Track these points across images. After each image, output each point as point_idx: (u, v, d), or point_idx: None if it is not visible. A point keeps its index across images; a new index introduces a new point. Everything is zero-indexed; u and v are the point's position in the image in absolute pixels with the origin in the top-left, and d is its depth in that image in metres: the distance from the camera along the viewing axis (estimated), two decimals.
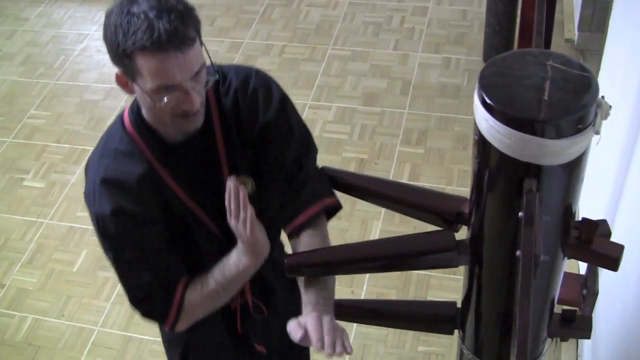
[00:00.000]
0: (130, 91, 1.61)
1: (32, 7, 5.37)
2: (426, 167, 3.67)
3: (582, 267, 2.63)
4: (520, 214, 1.10)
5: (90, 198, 1.67)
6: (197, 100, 1.59)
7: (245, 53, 4.62)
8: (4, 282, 3.41)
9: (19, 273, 3.44)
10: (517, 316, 1.03)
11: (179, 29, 1.51)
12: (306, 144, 1.80)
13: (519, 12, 3.79)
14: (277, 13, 4.96)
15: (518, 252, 1.08)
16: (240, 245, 1.63)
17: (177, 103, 1.57)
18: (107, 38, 1.53)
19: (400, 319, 1.65)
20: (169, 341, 2.08)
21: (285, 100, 1.79)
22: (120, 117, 1.72)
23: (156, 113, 1.61)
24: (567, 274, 1.63)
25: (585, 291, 1.99)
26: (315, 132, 3.94)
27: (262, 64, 4.49)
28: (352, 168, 3.69)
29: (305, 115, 4.07)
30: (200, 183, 1.75)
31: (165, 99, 1.55)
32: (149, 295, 1.70)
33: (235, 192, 1.57)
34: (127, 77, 1.57)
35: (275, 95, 1.77)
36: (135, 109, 1.69)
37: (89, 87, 4.42)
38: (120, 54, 1.51)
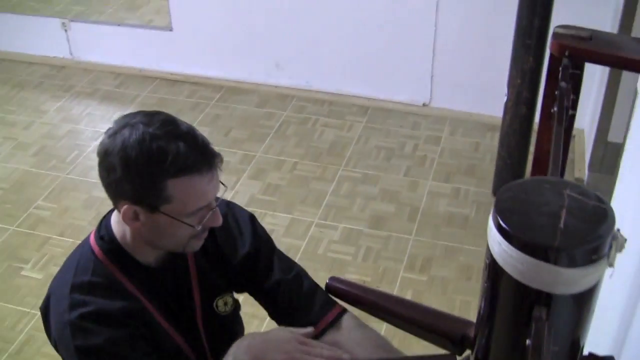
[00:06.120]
0: (137, 225, 1.55)
1: (52, 100, 5.48)
2: (428, 295, 3.64)
3: None
4: (527, 342, 1.08)
5: (67, 333, 1.56)
6: (220, 216, 1.61)
7: (256, 166, 4.65)
8: None
9: None
10: None
11: (208, 148, 1.53)
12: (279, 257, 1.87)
13: (531, 148, 3.83)
14: (292, 130, 5.03)
15: None
16: None
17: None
18: (128, 172, 1.48)
19: None
20: None
21: (254, 220, 1.85)
22: (88, 248, 1.66)
23: (165, 238, 1.59)
24: None
25: None
26: (320, 251, 3.92)
27: (273, 178, 4.53)
28: None
29: (311, 233, 4.06)
30: (174, 308, 1.72)
31: (206, 220, 1.55)
32: None
33: None
34: (145, 209, 1.52)
35: (246, 221, 1.82)
36: (107, 238, 1.64)
37: (98, 184, 4.30)
38: (148, 185, 1.48)
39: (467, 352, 1.34)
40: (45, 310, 1.70)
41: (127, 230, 1.61)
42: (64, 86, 5.70)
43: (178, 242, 1.59)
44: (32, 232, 4.18)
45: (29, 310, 3.63)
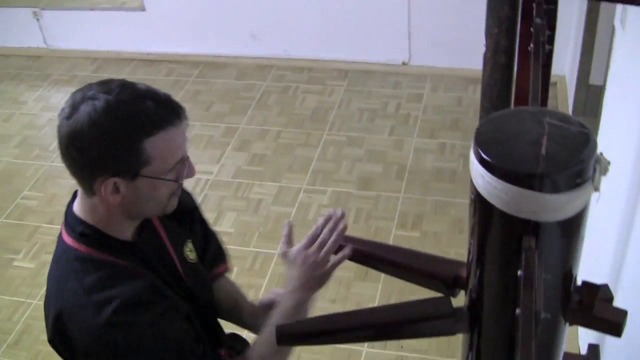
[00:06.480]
0: (118, 199, 1.51)
1: (30, 91, 5.43)
2: (422, 250, 3.63)
3: (583, 347, 2.58)
4: (519, 272, 1.07)
5: (105, 336, 1.49)
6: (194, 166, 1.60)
7: (240, 138, 4.63)
8: None
9: (4, 354, 3.36)
10: None
11: (173, 101, 1.52)
12: None
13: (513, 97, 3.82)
14: (273, 99, 5.00)
15: (518, 310, 1.04)
16: (297, 282, 1.65)
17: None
18: (105, 144, 1.44)
19: None
20: None
21: None
22: (72, 253, 1.58)
23: (148, 203, 1.57)
24: (567, 354, 1.58)
25: None
26: (310, 216, 3.92)
27: (258, 148, 4.51)
28: None
29: (300, 199, 4.05)
30: (164, 273, 1.69)
31: (185, 172, 1.55)
32: None
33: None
34: (125, 178, 1.48)
35: None
36: (87, 231, 1.58)
37: None
38: (127, 151, 1.45)
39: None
40: (59, 333, 1.55)
41: (100, 213, 1.56)
42: (41, 75, 5.65)
43: (160, 203, 1.57)
44: (20, 222, 4.16)
45: (24, 299, 3.62)
